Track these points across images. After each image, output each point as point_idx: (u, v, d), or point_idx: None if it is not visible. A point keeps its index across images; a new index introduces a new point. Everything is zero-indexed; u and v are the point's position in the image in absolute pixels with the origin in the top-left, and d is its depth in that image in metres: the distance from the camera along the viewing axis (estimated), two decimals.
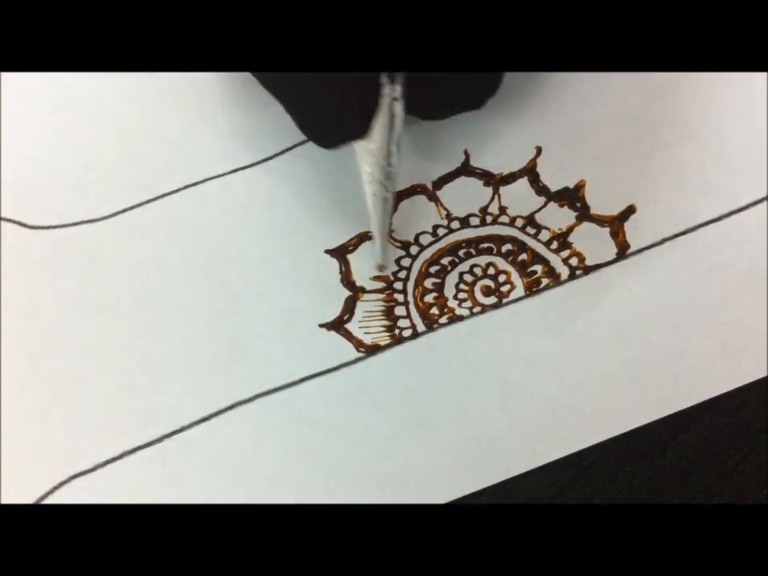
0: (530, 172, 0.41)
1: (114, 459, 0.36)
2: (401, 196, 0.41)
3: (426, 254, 0.40)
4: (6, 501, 0.34)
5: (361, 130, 0.35)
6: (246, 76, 0.41)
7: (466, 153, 0.42)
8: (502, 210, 0.41)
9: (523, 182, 0.41)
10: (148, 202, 0.41)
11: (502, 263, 0.39)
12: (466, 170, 0.42)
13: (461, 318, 0.38)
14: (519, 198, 0.41)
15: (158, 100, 0.44)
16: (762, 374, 0.36)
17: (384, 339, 0.38)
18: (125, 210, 0.41)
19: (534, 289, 0.39)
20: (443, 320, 0.38)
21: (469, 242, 0.40)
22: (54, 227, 0.41)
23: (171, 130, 0.43)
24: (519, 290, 0.39)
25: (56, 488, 0.35)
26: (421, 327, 0.38)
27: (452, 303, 0.38)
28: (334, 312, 0.38)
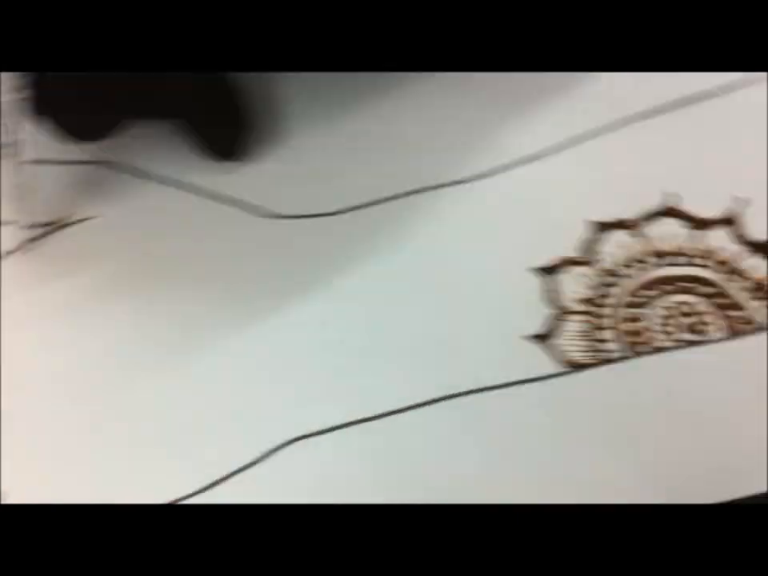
0: (734, 221, 0.43)
1: (336, 427, 0.38)
2: (605, 227, 0.43)
3: (632, 284, 0.42)
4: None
5: None
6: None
7: (670, 194, 0.44)
8: (705, 253, 0.42)
9: (728, 230, 0.43)
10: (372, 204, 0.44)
11: (703, 304, 0.41)
12: (670, 210, 0.43)
13: (662, 350, 0.40)
14: (723, 243, 0.42)
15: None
16: None
17: (587, 358, 0.40)
18: (358, 208, 0.44)
19: (734, 332, 0.40)
20: (645, 348, 0.40)
21: (671, 280, 0.42)
22: None
23: (407, 137, 0.46)
24: (720, 332, 0.40)
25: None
26: (623, 352, 0.40)
27: (654, 334, 0.40)
28: (539, 327, 0.41)
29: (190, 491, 0.36)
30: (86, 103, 0.36)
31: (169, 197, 0.42)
